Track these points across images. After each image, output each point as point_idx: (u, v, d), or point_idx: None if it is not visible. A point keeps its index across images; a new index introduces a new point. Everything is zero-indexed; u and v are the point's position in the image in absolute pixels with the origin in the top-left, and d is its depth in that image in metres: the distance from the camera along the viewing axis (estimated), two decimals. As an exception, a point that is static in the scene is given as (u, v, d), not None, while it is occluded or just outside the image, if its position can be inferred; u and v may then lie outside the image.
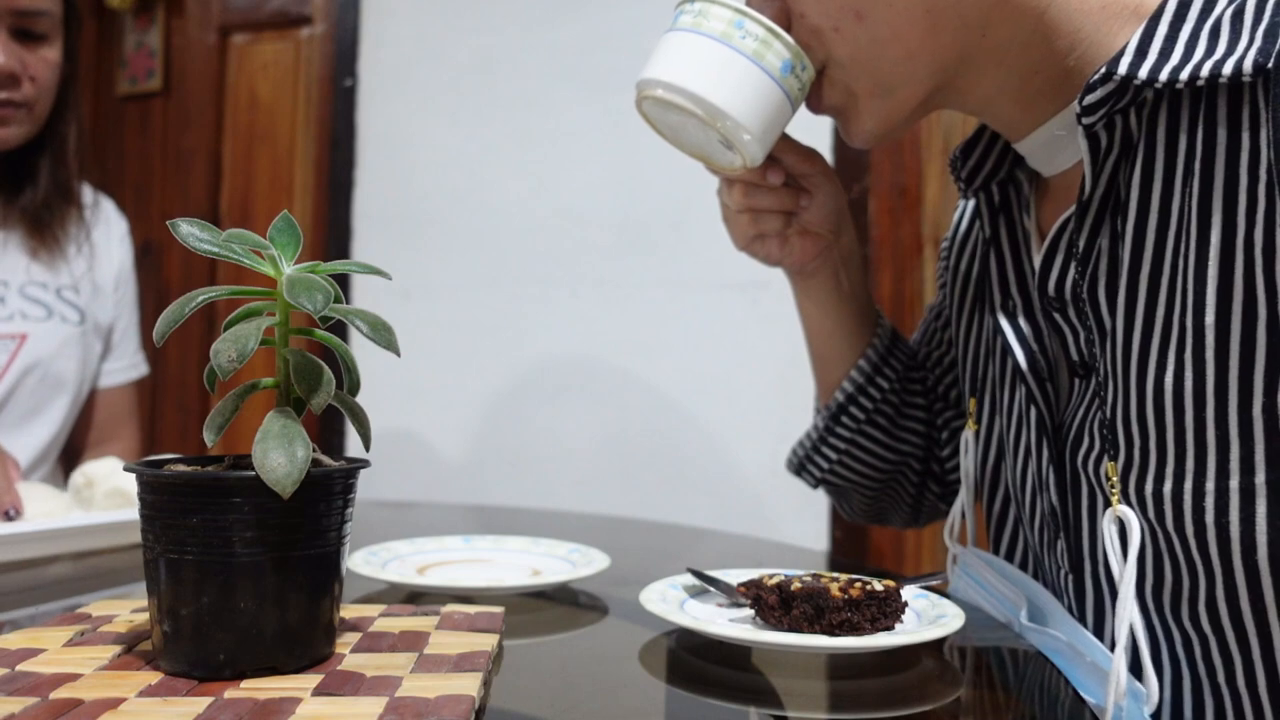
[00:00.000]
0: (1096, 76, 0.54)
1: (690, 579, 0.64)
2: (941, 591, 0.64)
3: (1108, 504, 0.57)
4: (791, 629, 0.54)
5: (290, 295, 0.43)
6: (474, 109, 1.88)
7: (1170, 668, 0.56)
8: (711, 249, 1.73)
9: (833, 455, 0.87)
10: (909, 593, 0.61)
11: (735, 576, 0.63)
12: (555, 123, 1.82)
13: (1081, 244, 0.59)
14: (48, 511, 0.82)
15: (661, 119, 0.72)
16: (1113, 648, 0.54)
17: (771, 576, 0.57)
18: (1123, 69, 0.53)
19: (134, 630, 0.50)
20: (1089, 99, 0.55)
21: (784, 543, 0.94)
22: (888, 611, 0.55)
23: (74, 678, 0.42)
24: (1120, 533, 0.55)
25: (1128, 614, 0.53)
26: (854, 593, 0.54)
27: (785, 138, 0.73)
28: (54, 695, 0.40)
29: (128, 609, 0.54)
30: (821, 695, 0.53)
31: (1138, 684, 0.52)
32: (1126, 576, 0.53)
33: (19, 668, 0.43)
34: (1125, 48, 0.54)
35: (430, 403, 1.87)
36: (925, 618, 0.58)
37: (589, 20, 1.80)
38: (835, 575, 0.58)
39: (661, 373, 1.74)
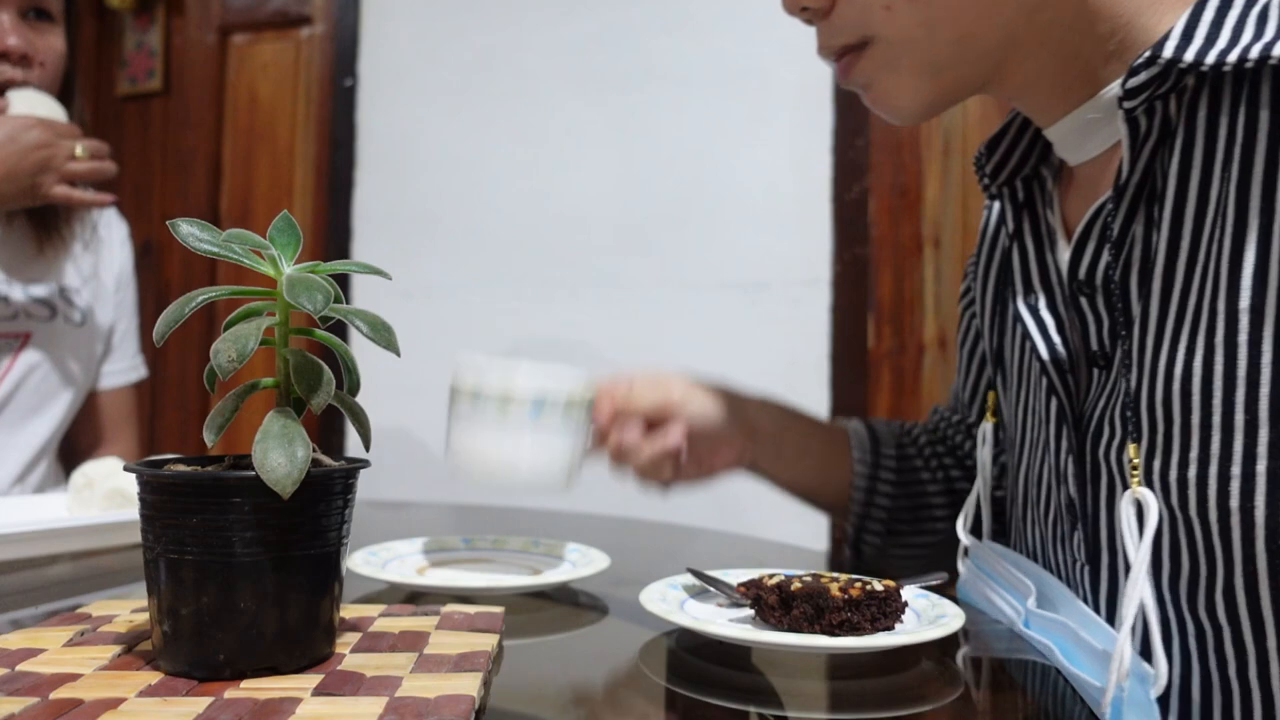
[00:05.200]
0: (1141, 60, 0.55)
1: (690, 579, 0.64)
2: (943, 590, 0.64)
3: (1126, 490, 0.57)
4: (791, 629, 0.54)
5: (290, 295, 0.43)
6: (474, 109, 1.88)
7: (1180, 660, 0.56)
8: (711, 249, 1.73)
9: (878, 544, 0.89)
10: (909, 593, 0.61)
11: (735, 576, 0.63)
12: (556, 122, 1.82)
13: (1116, 229, 0.59)
14: None
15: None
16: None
17: (771, 576, 0.57)
18: (1168, 52, 0.54)
19: (134, 630, 0.50)
20: (1132, 82, 0.55)
21: (784, 543, 0.94)
22: (888, 611, 0.55)
23: (74, 678, 0.42)
24: (1137, 516, 0.55)
25: (1138, 592, 0.52)
26: (854, 593, 0.54)
27: (601, 408, 0.76)
28: (54, 695, 0.40)
29: (128, 609, 0.54)
30: (821, 695, 0.53)
31: (1145, 665, 0.52)
32: (1140, 556, 0.53)
33: (19, 668, 0.43)
34: (1170, 31, 0.55)
35: (430, 403, 1.86)
36: (925, 618, 0.58)
37: (589, 20, 1.80)
38: (835, 575, 0.58)
39: (661, 373, 1.74)
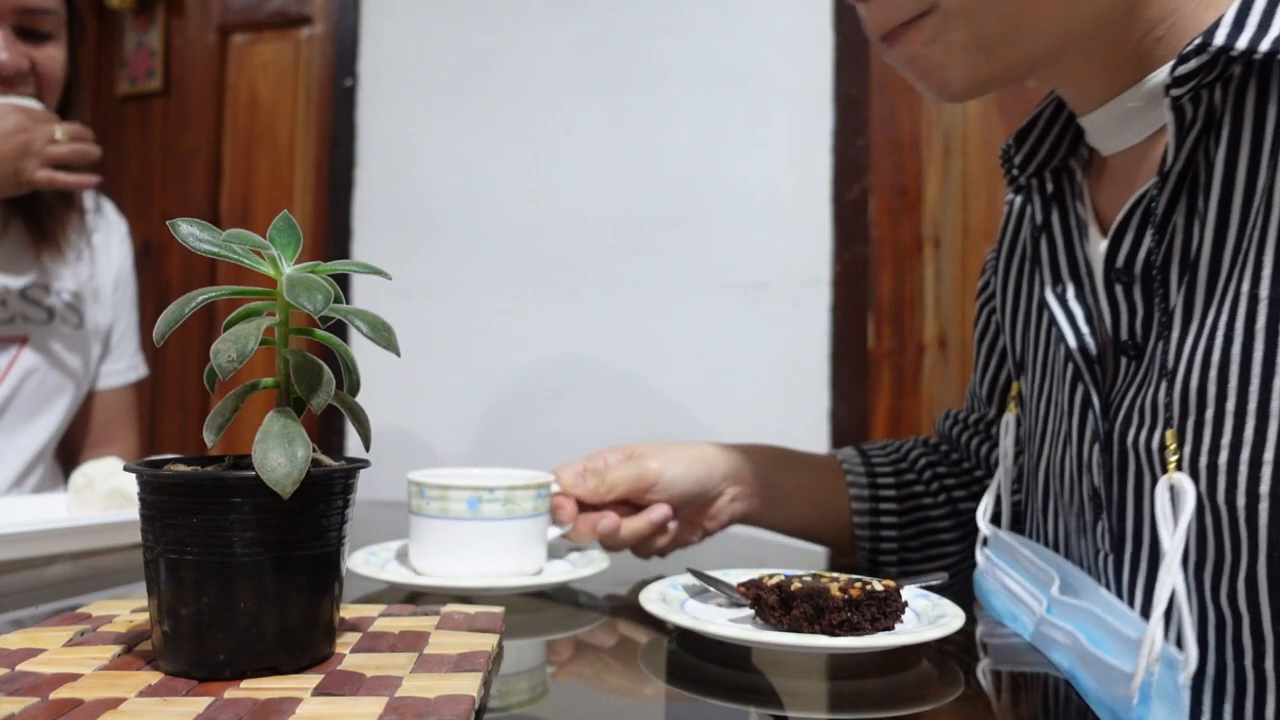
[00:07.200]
0: (1191, 47, 0.54)
1: (690, 579, 0.64)
2: (943, 590, 0.64)
3: (1155, 480, 0.57)
4: (791, 629, 0.54)
5: (290, 295, 0.43)
6: (474, 109, 1.88)
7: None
8: (711, 249, 1.73)
9: (894, 575, 0.89)
10: (909, 593, 0.61)
11: (735, 576, 0.63)
12: (556, 122, 1.82)
13: (1158, 215, 0.59)
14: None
15: None
16: (1147, 616, 0.53)
17: (771, 576, 0.57)
18: (1220, 39, 0.54)
19: (134, 630, 0.50)
20: (1181, 69, 0.55)
21: (784, 543, 0.94)
22: (888, 611, 0.55)
23: (74, 678, 0.42)
24: (1172, 502, 0.55)
25: (1171, 578, 0.52)
26: (854, 593, 0.54)
27: (576, 497, 0.77)
28: (54, 695, 0.40)
29: (128, 609, 0.54)
30: (821, 695, 0.53)
31: (1174, 650, 0.51)
32: (1175, 542, 0.53)
33: (19, 668, 0.43)
34: (1220, 19, 0.54)
35: (430, 403, 1.87)
36: (925, 618, 0.58)
37: (589, 20, 1.80)
38: (835, 575, 0.58)
39: (662, 373, 1.74)
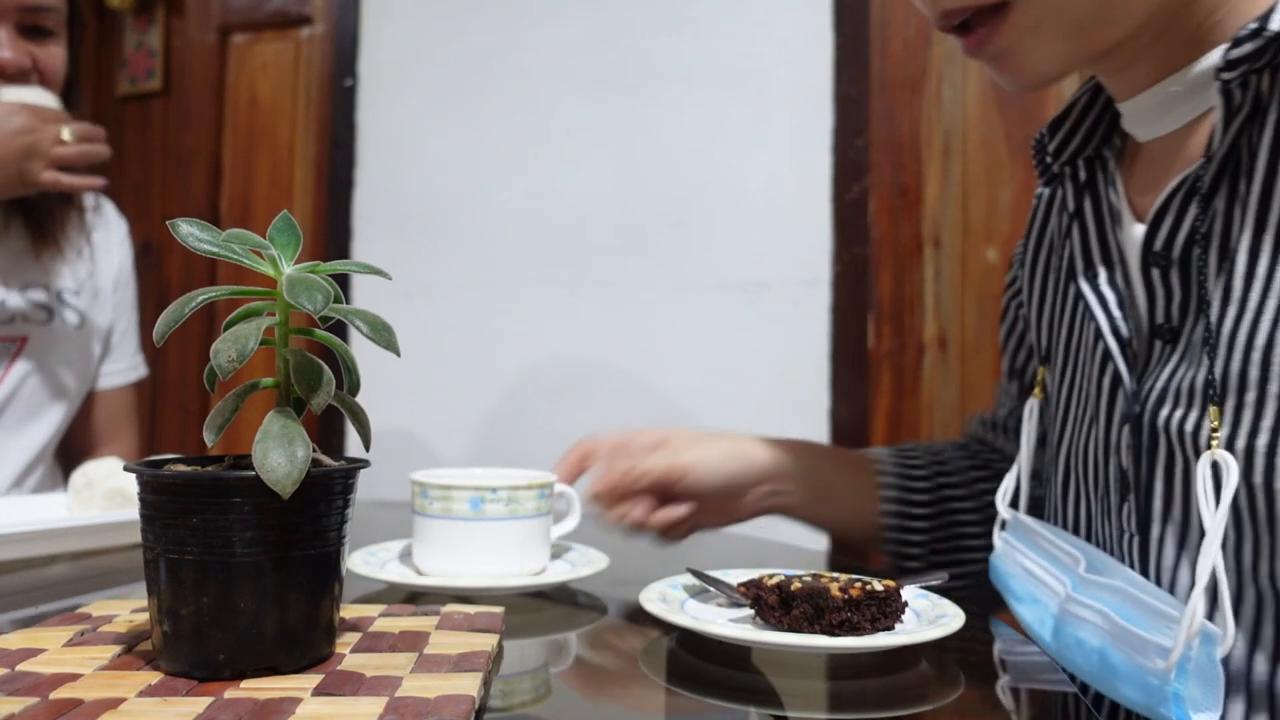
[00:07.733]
0: (1246, 31, 0.55)
1: (690, 579, 0.64)
2: (942, 590, 0.64)
3: (1186, 463, 0.58)
4: (791, 629, 0.54)
5: (290, 295, 0.43)
6: (474, 109, 1.88)
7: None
8: (711, 249, 1.73)
9: (922, 567, 0.89)
10: (909, 593, 0.61)
11: (735, 576, 0.63)
12: (556, 122, 1.82)
13: (1204, 191, 0.59)
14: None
15: None
16: (1177, 595, 0.53)
17: (771, 576, 0.57)
18: (1275, 25, 0.54)
19: (134, 630, 0.50)
20: (1235, 53, 0.55)
21: (784, 543, 0.94)
22: (888, 611, 0.55)
23: (74, 678, 0.42)
24: (1214, 479, 0.55)
25: (1213, 554, 0.52)
26: (854, 593, 0.54)
27: (605, 494, 0.78)
28: (54, 695, 0.40)
29: (128, 609, 0.54)
30: (821, 695, 0.53)
31: (1212, 626, 0.52)
32: (1218, 519, 0.53)
33: (19, 668, 0.43)
34: (1276, 5, 0.55)
35: (430, 403, 1.87)
36: (925, 618, 0.58)
37: (589, 20, 1.80)
38: (835, 575, 0.58)
39: (661, 373, 1.74)
